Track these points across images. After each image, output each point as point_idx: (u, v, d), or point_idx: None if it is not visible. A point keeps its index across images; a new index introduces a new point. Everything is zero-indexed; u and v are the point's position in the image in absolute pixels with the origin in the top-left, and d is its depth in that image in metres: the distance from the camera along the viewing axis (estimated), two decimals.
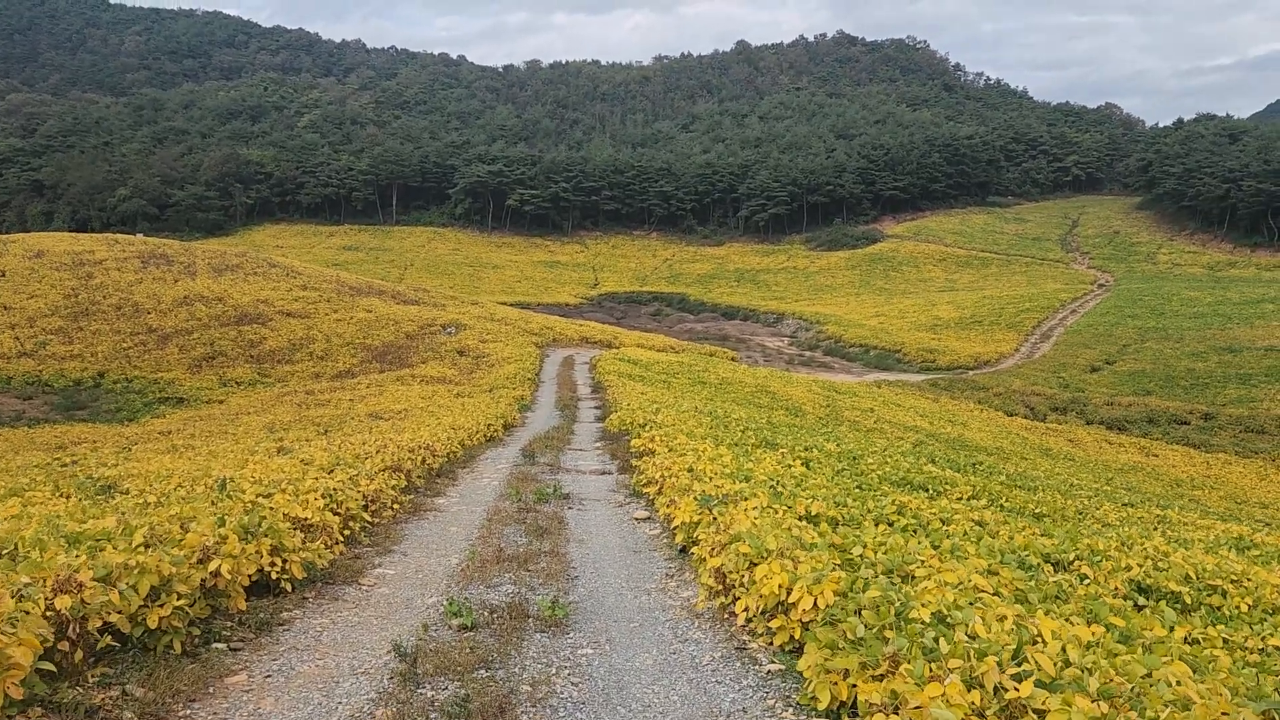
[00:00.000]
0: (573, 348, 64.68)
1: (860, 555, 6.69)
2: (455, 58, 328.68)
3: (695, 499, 9.05)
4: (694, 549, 7.93)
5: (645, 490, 12.29)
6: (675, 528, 8.98)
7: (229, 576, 5.76)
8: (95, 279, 71.57)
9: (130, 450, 18.82)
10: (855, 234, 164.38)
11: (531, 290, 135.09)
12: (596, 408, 32.50)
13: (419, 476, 13.19)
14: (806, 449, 16.11)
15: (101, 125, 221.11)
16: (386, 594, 7.25)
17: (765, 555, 6.43)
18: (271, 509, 8.08)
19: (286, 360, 58.70)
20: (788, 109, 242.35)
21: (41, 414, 46.69)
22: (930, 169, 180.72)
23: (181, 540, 6.02)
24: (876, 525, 8.60)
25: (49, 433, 35.20)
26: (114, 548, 5.97)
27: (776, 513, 8.32)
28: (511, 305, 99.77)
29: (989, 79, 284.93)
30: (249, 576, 6.36)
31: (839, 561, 6.48)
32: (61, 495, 10.69)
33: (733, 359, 75.39)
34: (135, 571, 5.02)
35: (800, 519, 8.42)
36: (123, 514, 7.01)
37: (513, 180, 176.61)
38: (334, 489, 9.28)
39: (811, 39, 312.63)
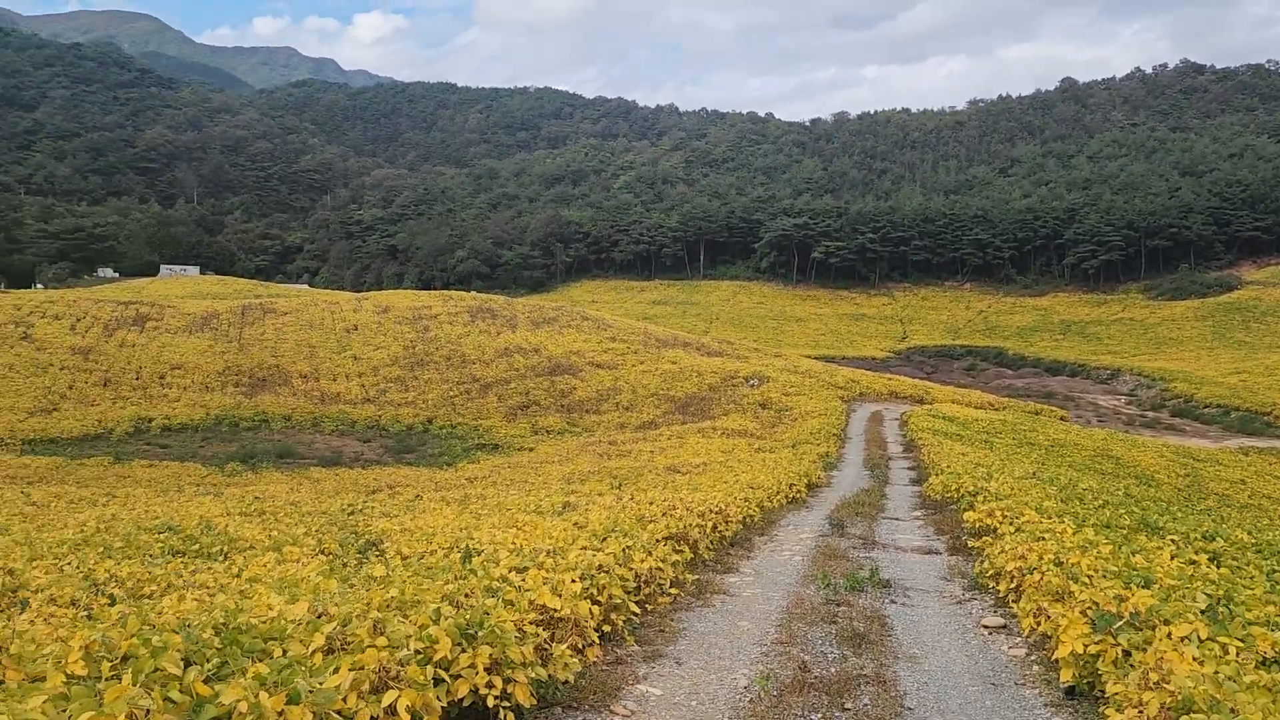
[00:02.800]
0: (880, 402, 60.95)
1: None
2: (763, 115, 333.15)
3: (1083, 614, 6.32)
4: (1105, 709, 5.21)
5: (993, 585, 9.51)
6: (1057, 659, 6.26)
7: (407, 717, 3.95)
8: (430, 332, 77.22)
9: (419, 499, 18.48)
10: (1206, 281, 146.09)
11: (836, 343, 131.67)
12: (910, 469, 29.29)
13: (707, 548, 11.21)
14: (1206, 537, 12.47)
15: (446, 194, 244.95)
16: None
17: None
18: (519, 589, 6.41)
19: (594, 410, 59.72)
20: (1121, 147, 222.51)
21: (376, 456, 50.04)
22: None
23: (363, 649, 4.34)
24: None
25: (373, 475, 37.14)
26: (283, 651, 4.42)
27: (1226, 650, 5.47)
28: (815, 359, 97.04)
29: None
30: (456, 704, 4.58)
31: None
32: (321, 552, 9.75)
33: (1062, 418, 68.07)
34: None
35: (1265, 663, 5.50)
36: (321, 598, 5.53)
37: (818, 232, 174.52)
38: (599, 567, 7.48)
39: (1149, 71, 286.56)
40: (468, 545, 8.28)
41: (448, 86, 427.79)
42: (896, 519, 17.09)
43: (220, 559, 9.42)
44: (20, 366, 57.38)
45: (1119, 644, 5.74)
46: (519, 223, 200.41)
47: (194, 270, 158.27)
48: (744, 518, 14.23)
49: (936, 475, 21.77)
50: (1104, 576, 7.47)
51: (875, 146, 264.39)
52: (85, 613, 6.92)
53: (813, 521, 16.07)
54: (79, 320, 69.40)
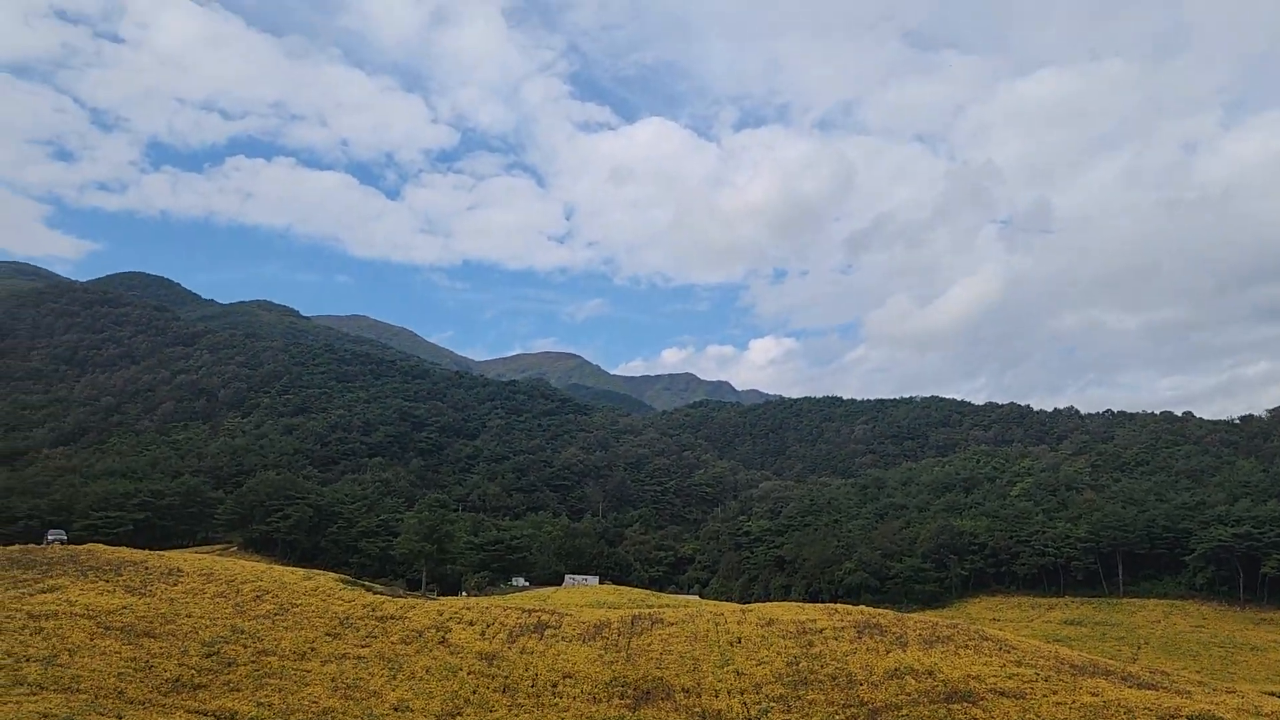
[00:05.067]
0: None
1: None
2: (1180, 415, 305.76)
3: None
4: None
5: None
6: None
7: None
8: (815, 647, 73.51)
9: None
10: None
11: None
12: None
13: None
14: None
15: (832, 505, 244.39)
16: None
17: None
18: None
19: None
20: None
21: None
22: None
23: None
24: None
25: None
26: None
27: None
28: None
29: None
30: None
31: None
32: None
33: None
34: None
35: None
36: None
37: (1266, 544, 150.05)
38: None
39: None
40: None
41: (833, 400, 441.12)
42: None
43: None
44: (435, 669, 61.70)
45: None
46: (907, 533, 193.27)
47: (594, 580, 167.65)
48: None
49: None
50: None
51: None
52: None
53: None
54: (489, 626, 74.42)
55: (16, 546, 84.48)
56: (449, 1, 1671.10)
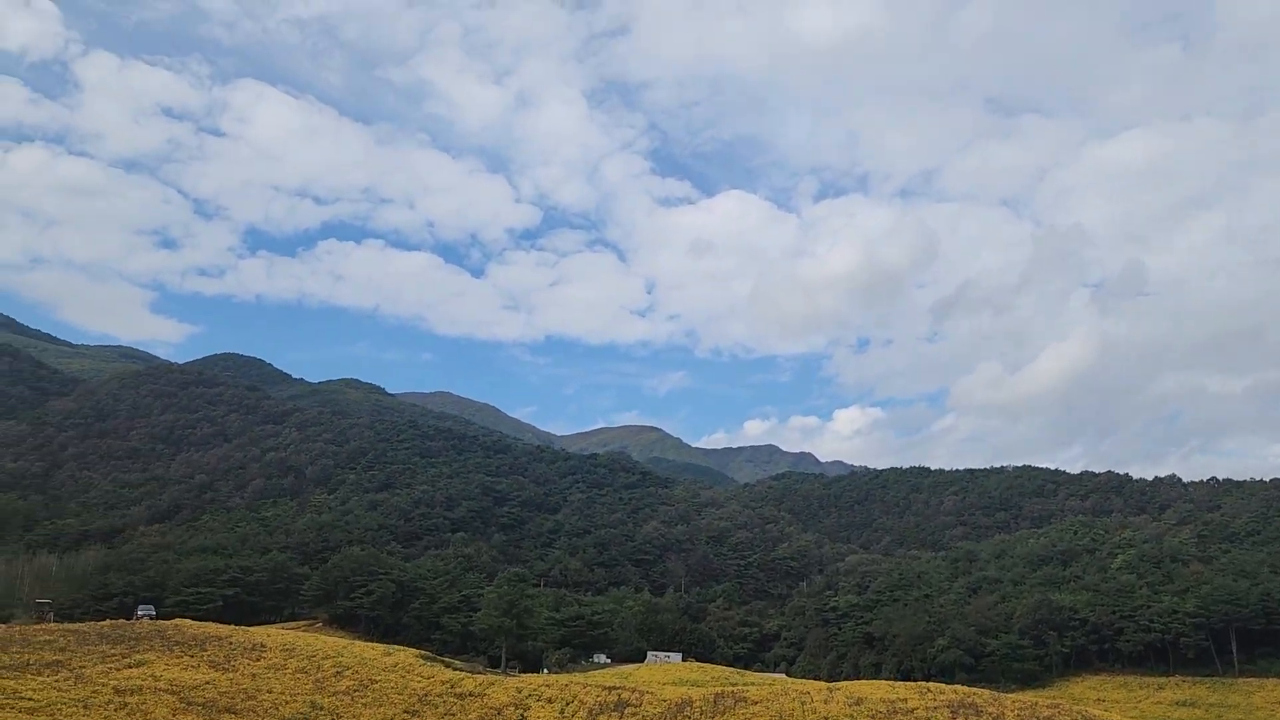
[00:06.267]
0: None
1: None
2: None
3: None
4: None
5: None
6: None
7: None
8: None
9: None
10: None
11: None
12: None
13: None
14: None
15: (922, 579, 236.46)
16: None
17: None
18: None
19: None
20: None
21: None
22: None
23: None
24: None
25: None
26: None
27: None
28: None
29: None
30: None
31: None
32: None
33: None
34: None
35: None
36: None
37: None
38: None
39: None
40: None
41: (921, 470, 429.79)
42: None
43: None
44: None
45: None
46: (1003, 608, 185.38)
47: (676, 656, 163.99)
48: None
49: None
50: None
51: None
52: None
53: None
54: (568, 704, 72.89)
55: (108, 622, 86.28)
56: (531, 86, 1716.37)
